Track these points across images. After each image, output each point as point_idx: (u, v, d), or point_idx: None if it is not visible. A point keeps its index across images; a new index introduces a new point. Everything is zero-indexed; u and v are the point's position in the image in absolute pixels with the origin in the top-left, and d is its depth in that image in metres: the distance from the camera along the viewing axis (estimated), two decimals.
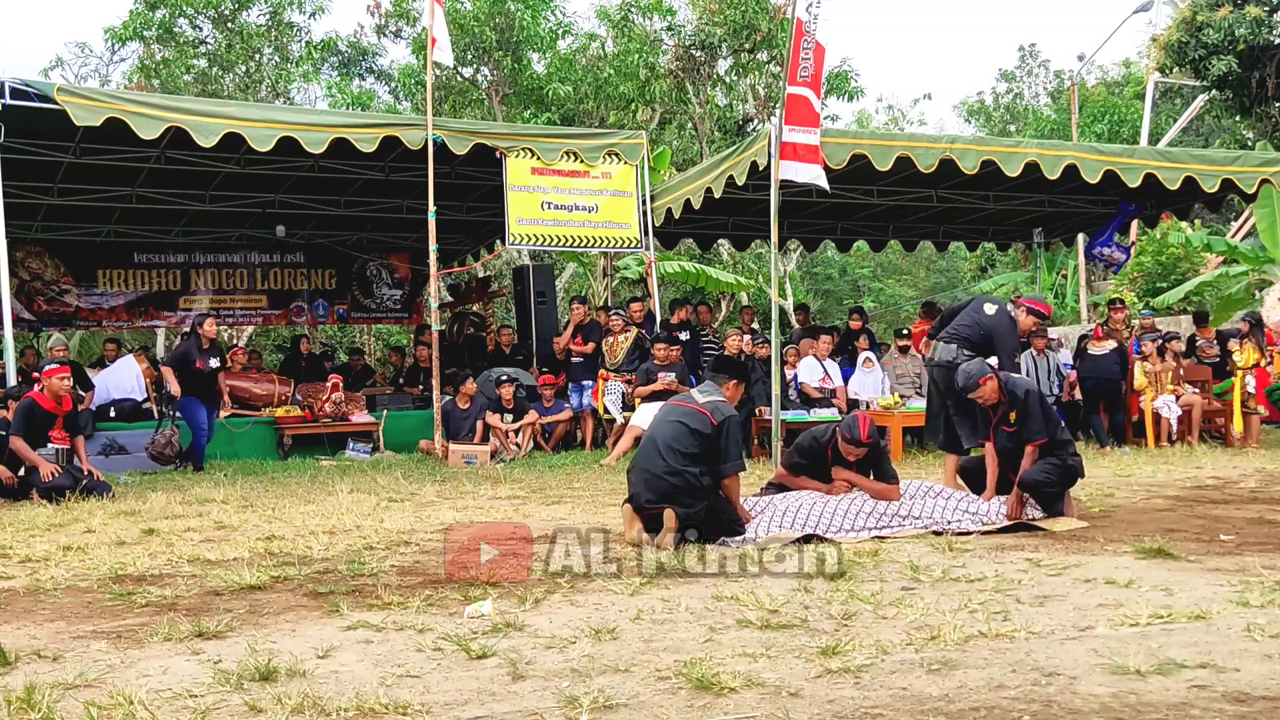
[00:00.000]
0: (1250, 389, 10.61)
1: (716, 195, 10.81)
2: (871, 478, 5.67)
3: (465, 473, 8.99)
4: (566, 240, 10.93)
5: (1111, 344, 10.74)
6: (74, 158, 10.76)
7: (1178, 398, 10.59)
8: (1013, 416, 5.66)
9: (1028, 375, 11.19)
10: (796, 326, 13.87)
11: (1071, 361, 11.66)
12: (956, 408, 6.55)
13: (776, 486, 5.87)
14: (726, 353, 10.58)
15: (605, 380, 10.73)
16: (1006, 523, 5.47)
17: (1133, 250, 17.01)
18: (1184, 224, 19.24)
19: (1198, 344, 12.16)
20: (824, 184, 9.30)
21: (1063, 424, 5.81)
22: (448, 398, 10.61)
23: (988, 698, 2.69)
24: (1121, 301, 12.08)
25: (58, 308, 14.58)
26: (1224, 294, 18.46)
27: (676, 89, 19.54)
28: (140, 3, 21.00)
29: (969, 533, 5.33)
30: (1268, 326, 11.76)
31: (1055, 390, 11.33)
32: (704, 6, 19.27)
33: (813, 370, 10.56)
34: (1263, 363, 11.05)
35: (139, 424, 10.72)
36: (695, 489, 5.04)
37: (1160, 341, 10.88)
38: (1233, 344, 10.99)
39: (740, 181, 10.23)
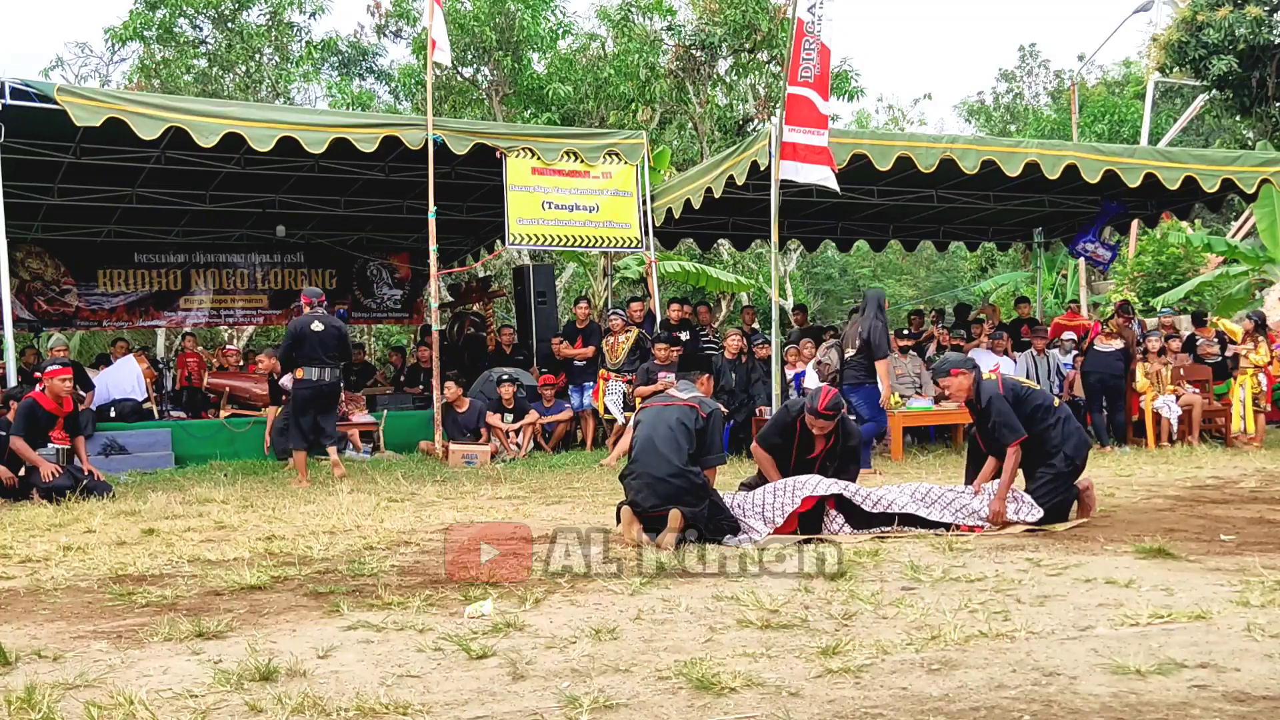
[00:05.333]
0: (1263, 386, 10.62)
1: (717, 195, 10.81)
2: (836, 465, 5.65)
3: (465, 473, 8.99)
4: (567, 240, 10.93)
5: (1118, 342, 10.74)
6: (74, 158, 10.75)
7: (1178, 398, 10.59)
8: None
9: (1028, 375, 11.21)
10: (795, 327, 13.87)
11: (1071, 361, 11.66)
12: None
13: (751, 484, 5.83)
14: (727, 354, 10.60)
15: (606, 380, 10.73)
16: (1000, 526, 5.46)
17: (1120, 248, 17.01)
18: (1184, 224, 19.25)
19: (1198, 343, 12.15)
20: (834, 185, 9.30)
21: (1053, 415, 5.71)
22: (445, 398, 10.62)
23: (988, 698, 2.69)
24: (1129, 307, 12.07)
25: (58, 308, 14.59)
26: (1224, 294, 18.48)
27: (676, 89, 19.52)
28: (140, 3, 20.99)
29: (972, 529, 5.34)
30: (1269, 327, 11.77)
31: (1055, 390, 11.33)
32: (704, 6, 19.25)
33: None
34: (1268, 362, 11.05)
35: (139, 424, 10.73)
36: (698, 487, 5.07)
37: (1162, 341, 10.88)
38: (1246, 342, 10.97)
39: (740, 181, 10.23)
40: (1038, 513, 5.49)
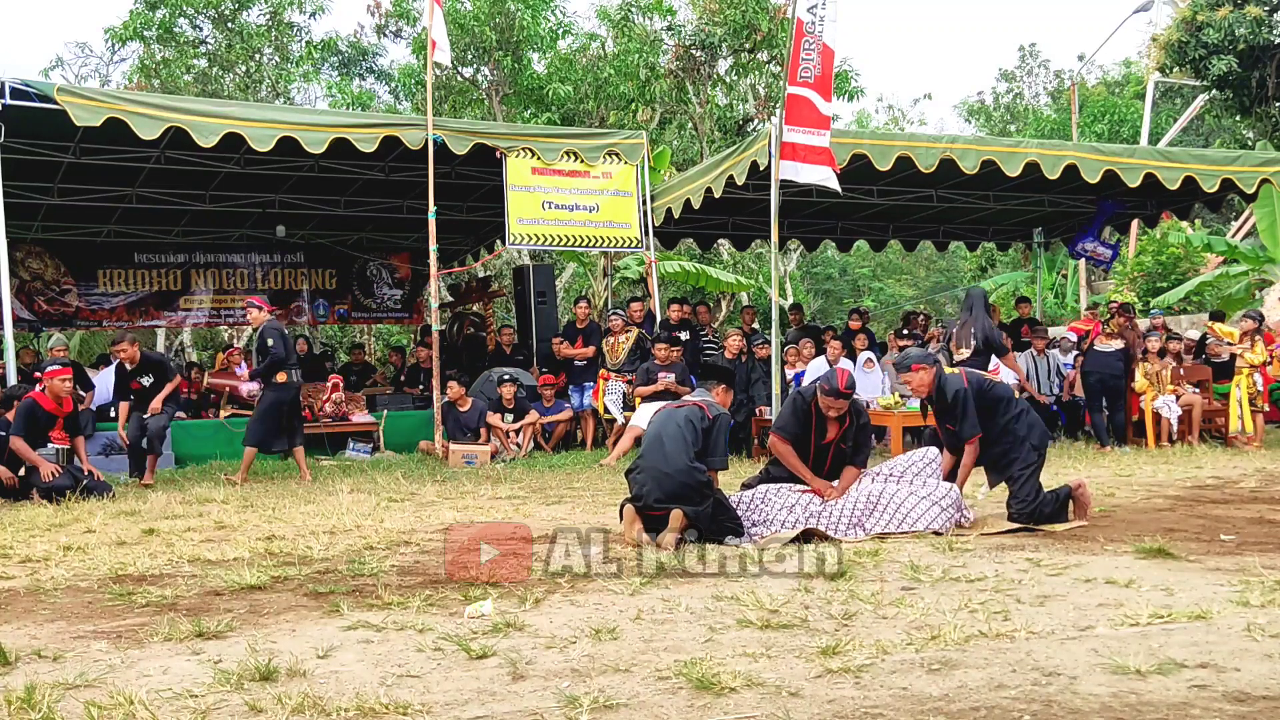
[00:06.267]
0: (1259, 386, 10.62)
1: (716, 195, 10.81)
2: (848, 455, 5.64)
3: (465, 473, 8.99)
4: (567, 240, 10.93)
5: (1118, 342, 10.74)
6: (74, 158, 10.75)
7: (1178, 398, 10.59)
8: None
9: (1028, 375, 11.21)
10: (791, 327, 13.85)
11: (1071, 361, 11.66)
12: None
13: (751, 484, 5.83)
14: (727, 354, 10.60)
15: (606, 380, 10.74)
16: (1004, 526, 5.45)
17: (1120, 247, 17.00)
18: (1184, 224, 19.25)
19: (1208, 342, 12.11)
20: (835, 185, 9.30)
21: (1015, 406, 5.74)
22: (447, 398, 10.62)
23: (988, 698, 2.69)
24: (1130, 308, 12.06)
25: (58, 308, 14.59)
26: (1224, 294, 18.48)
27: (676, 89, 19.52)
28: (140, 3, 21.00)
29: (964, 528, 5.35)
30: (1267, 327, 11.75)
31: (1055, 390, 11.32)
32: (704, 6, 19.26)
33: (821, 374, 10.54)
34: (1267, 361, 11.04)
35: None
36: (702, 484, 5.09)
37: (1162, 341, 10.87)
38: (1244, 341, 10.97)
39: (740, 181, 10.23)
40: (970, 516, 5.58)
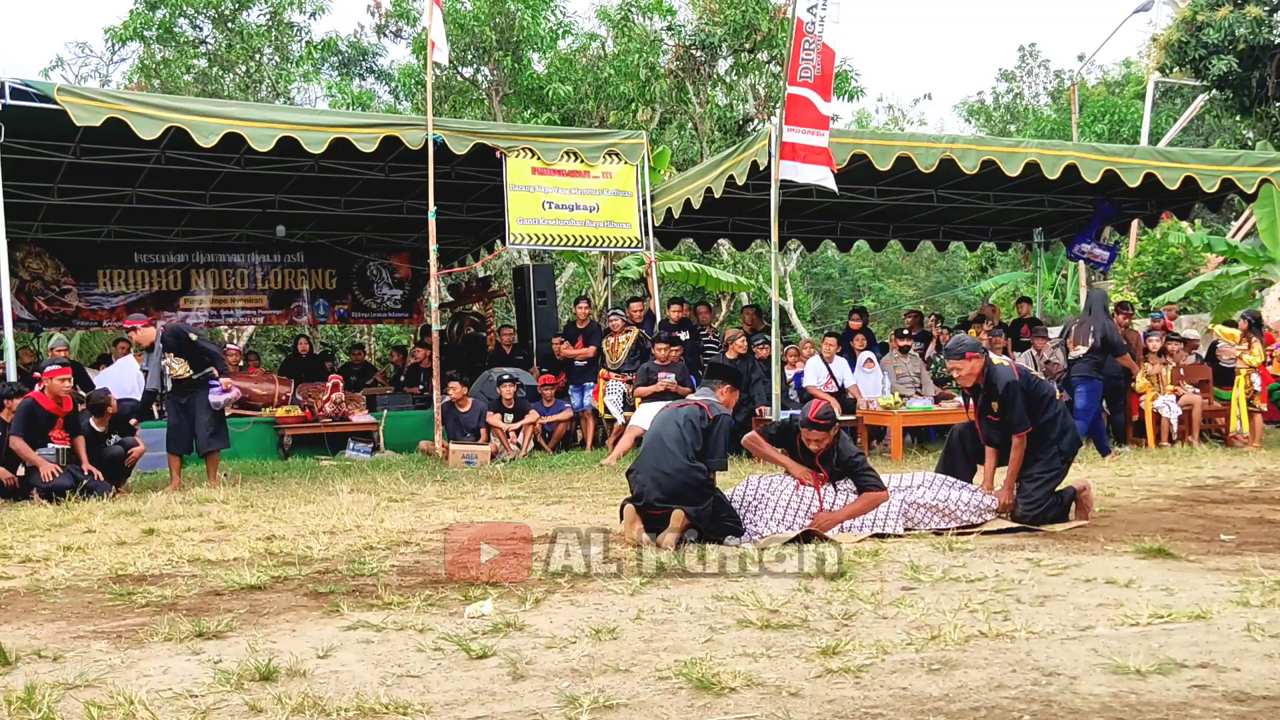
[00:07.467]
0: (1256, 387, 10.62)
1: (716, 195, 10.81)
2: (839, 492, 5.42)
3: (465, 473, 8.99)
4: (567, 240, 10.93)
5: None
6: (74, 158, 10.75)
7: (1178, 398, 10.59)
8: (995, 406, 5.67)
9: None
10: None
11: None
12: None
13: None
14: (729, 354, 10.59)
15: (606, 380, 10.73)
16: (1003, 525, 5.45)
17: (1119, 248, 16.98)
18: (1184, 224, 19.24)
19: (1219, 346, 12.07)
20: (832, 185, 9.31)
21: (1056, 407, 5.74)
22: (448, 398, 10.63)
23: (988, 697, 2.69)
24: (1130, 306, 12.04)
25: (58, 308, 14.59)
26: (1224, 294, 18.47)
27: (676, 89, 19.51)
28: (140, 3, 20.99)
29: (970, 530, 5.33)
30: (1267, 326, 11.74)
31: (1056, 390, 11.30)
32: (704, 6, 19.25)
33: (818, 373, 10.54)
34: (1267, 361, 11.03)
35: (141, 424, 10.70)
36: (702, 484, 5.09)
37: (1162, 341, 10.86)
38: (1241, 341, 10.96)
39: (740, 181, 10.23)
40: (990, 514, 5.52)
